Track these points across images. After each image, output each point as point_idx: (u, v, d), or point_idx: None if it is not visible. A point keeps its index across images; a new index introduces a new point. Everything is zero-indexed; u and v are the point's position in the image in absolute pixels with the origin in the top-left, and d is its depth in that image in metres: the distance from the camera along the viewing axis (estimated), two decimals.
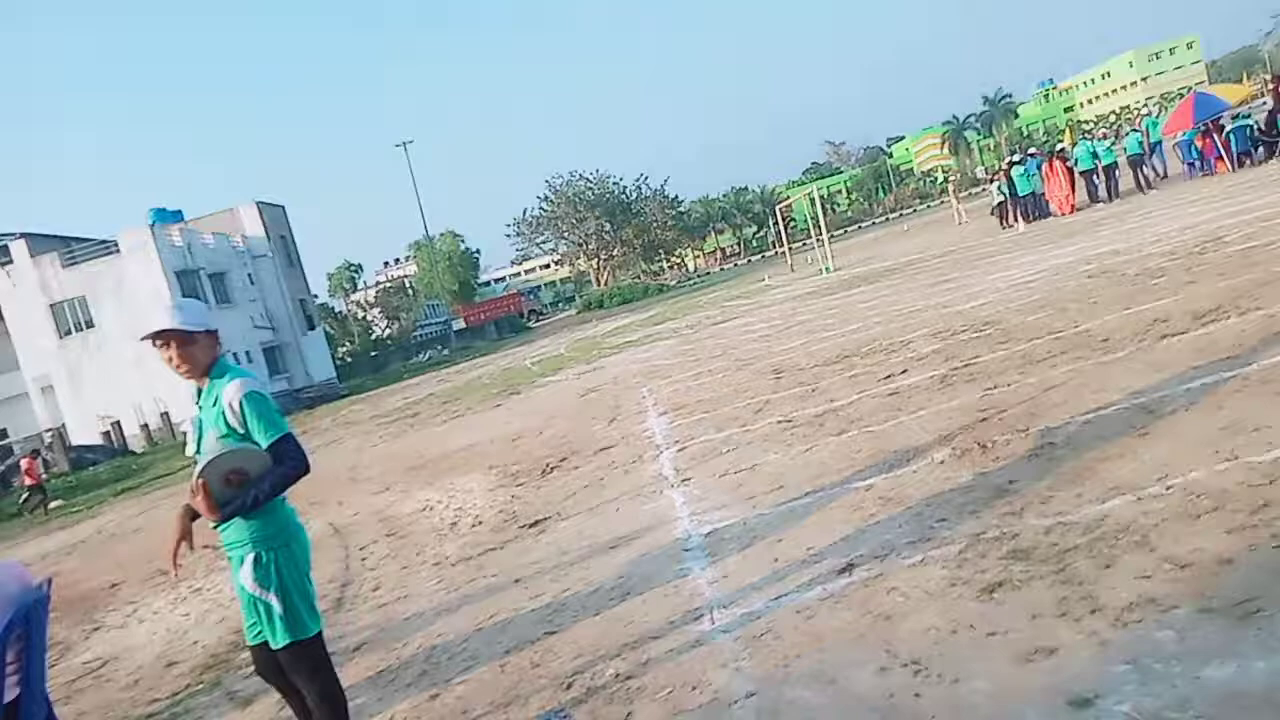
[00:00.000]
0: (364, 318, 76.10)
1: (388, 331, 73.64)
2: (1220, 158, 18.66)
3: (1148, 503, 3.46)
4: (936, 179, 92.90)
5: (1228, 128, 18.49)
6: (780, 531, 4.39)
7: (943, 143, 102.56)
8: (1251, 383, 4.55)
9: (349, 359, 62.30)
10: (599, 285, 70.39)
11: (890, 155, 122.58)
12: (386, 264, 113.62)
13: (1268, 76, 31.81)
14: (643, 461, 6.95)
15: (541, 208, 71.58)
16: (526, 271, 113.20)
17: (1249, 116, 18.78)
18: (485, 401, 15.81)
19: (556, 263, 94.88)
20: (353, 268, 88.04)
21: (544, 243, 75.65)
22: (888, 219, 75.23)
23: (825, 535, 4.16)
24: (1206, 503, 3.29)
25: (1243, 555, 2.83)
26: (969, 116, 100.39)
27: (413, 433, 14.43)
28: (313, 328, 46.96)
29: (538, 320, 70.63)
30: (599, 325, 34.14)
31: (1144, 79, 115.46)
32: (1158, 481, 3.63)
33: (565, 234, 72.52)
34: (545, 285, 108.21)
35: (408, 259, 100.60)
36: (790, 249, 37.78)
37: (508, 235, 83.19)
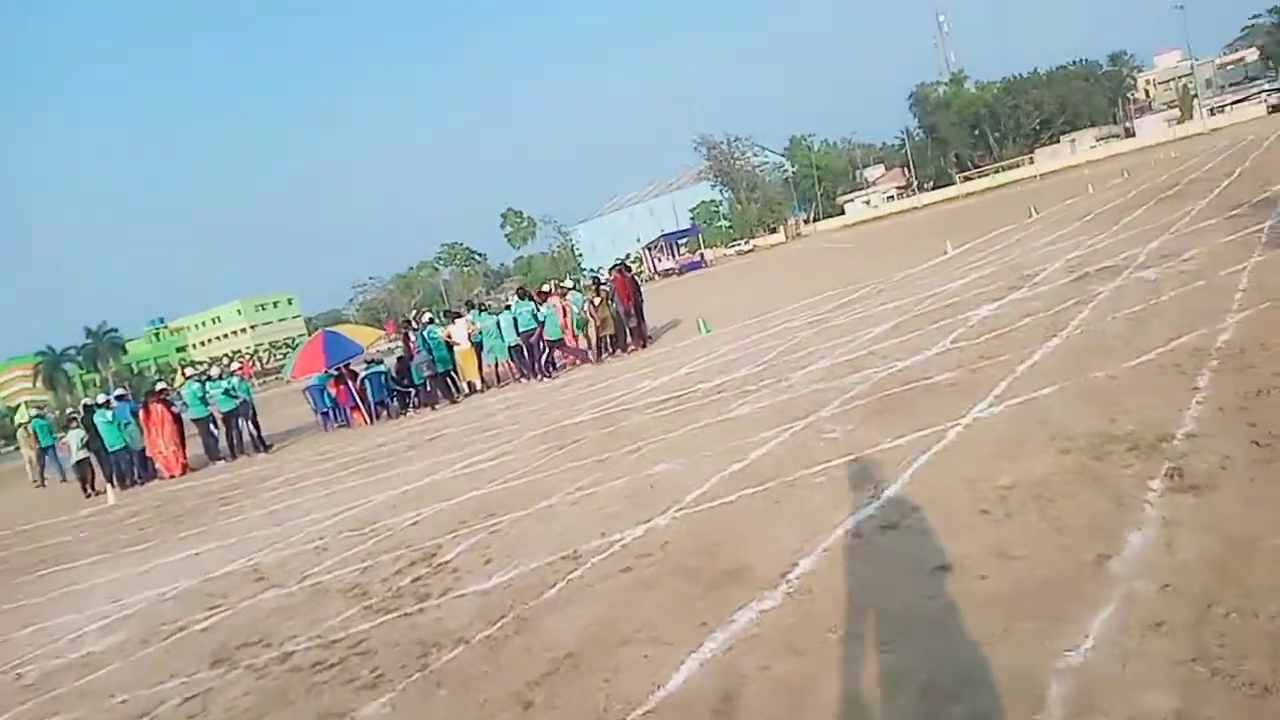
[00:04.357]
0: None
1: None
2: (356, 407, 16.16)
3: None
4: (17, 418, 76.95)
5: (362, 374, 16.20)
6: None
7: (36, 375, 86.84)
8: None
9: None
10: None
11: None
12: None
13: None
14: None
15: None
16: None
17: (381, 363, 16.94)
18: None
19: None
20: None
21: None
22: None
23: None
24: None
25: None
26: (68, 349, 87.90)
27: None
28: None
29: None
30: None
31: (253, 326, 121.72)
32: None
33: None
34: None
35: None
36: None
37: None
